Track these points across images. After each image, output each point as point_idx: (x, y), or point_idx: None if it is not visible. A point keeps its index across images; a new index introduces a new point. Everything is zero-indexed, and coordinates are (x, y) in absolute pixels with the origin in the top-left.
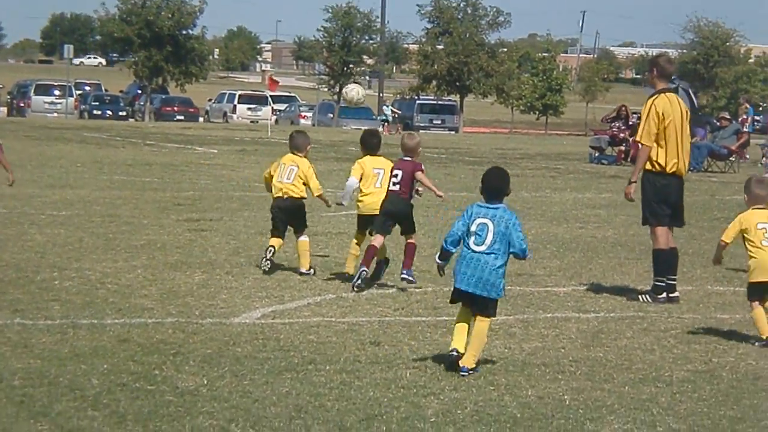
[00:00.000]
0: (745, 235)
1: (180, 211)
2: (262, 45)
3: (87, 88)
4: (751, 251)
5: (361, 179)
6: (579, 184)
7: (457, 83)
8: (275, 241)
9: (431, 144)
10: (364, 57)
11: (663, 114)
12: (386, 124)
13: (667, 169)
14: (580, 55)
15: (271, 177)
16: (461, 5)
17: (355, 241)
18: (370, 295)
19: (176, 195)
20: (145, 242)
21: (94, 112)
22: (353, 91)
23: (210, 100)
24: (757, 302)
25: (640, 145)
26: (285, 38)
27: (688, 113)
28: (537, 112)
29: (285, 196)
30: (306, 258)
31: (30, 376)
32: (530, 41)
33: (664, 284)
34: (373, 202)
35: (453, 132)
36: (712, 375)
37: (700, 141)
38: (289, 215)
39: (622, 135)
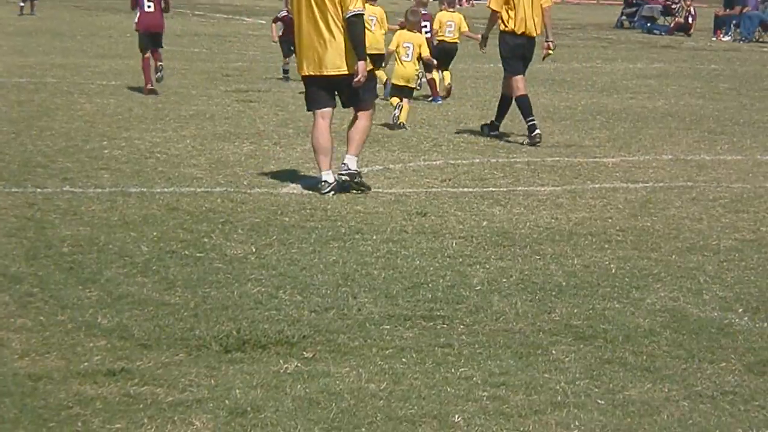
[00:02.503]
0: None
1: (228, 82)
2: None
3: None
4: None
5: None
6: (630, 55)
7: None
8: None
9: (471, 14)
10: None
11: None
12: None
13: (517, 31)
14: None
15: None
16: None
17: None
18: (417, 166)
19: (224, 66)
20: (194, 113)
21: None
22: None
23: None
24: None
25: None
26: None
27: None
28: None
29: None
30: None
31: (79, 242)
32: None
33: (534, 122)
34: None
35: None
36: (759, 244)
37: (751, 11)
38: None
39: (674, 5)
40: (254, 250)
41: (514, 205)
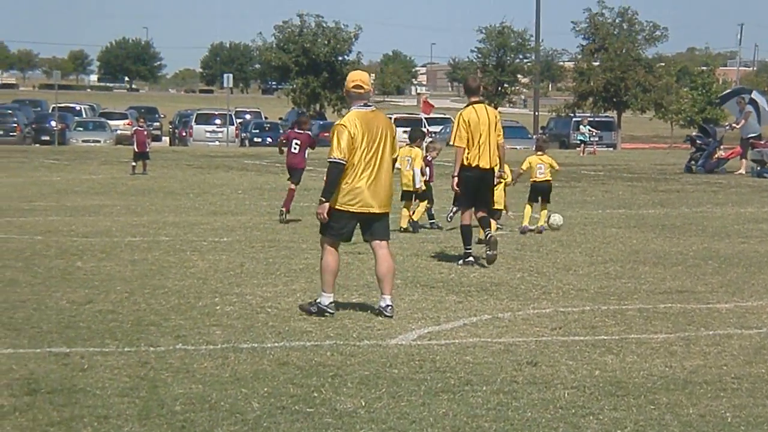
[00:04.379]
0: None
1: None
2: (417, 68)
3: (247, 116)
4: None
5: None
6: (740, 199)
7: (614, 99)
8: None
9: (588, 161)
10: (519, 76)
11: (469, 121)
12: (584, 144)
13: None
14: (740, 68)
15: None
16: (617, 21)
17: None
18: (526, 315)
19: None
20: (304, 266)
21: (254, 139)
22: (555, 218)
23: None
24: None
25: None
26: (439, 60)
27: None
28: (697, 126)
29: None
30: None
31: (191, 401)
32: (688, 55)
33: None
34: None
35: (611, 148)
36: None
37: None
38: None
39: None
40: (364, 403)
41: (627, 353)
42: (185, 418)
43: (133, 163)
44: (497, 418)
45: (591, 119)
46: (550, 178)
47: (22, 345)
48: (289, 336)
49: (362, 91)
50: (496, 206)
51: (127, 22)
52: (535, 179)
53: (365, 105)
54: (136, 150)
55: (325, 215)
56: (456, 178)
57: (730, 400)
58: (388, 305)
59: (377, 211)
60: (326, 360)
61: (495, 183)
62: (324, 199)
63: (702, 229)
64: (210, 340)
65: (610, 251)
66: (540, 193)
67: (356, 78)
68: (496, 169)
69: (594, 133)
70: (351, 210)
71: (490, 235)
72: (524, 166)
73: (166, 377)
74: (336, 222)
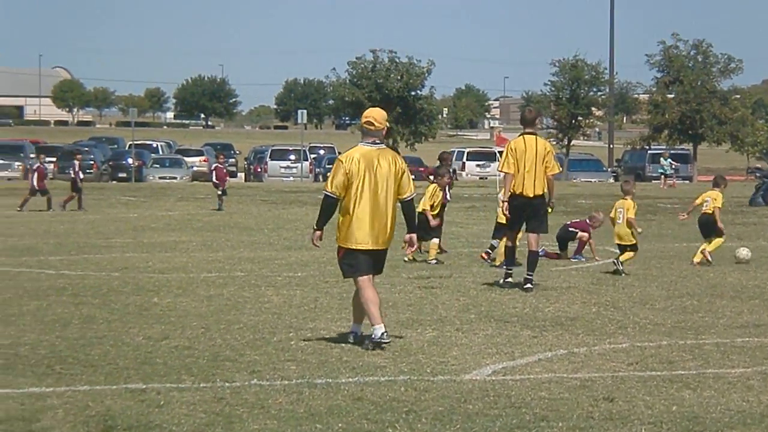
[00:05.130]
0: None
1: (410, 270)
2: (490, 102)
3: (321, 151)
4: None
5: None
6: None
7: (690, 131)
8: None
9: (664, 194)
10: (593, 109)
11: (515, 149)
12: (664, 177)
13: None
14: None
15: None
16: (691, 53)
17: None
18: (602, 350)
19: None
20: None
21: (328, 174)
22: (742, 252)
23: None
24: None
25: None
26: (513, 94)
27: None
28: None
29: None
30: None
31: None
32: (764, 87)
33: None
34: None
35: (687, 181)
36: None
37: None
38: None
39: None
40: None
41: (704, 388)
42: None
43: (219, 201)
44: None
45: (670, 152)
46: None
47: (98, 381)
48: (363, 371)
49: (373, 128)
50: (627, 243)
51: (203, 59)
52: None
53: (373, 143)
54: (215, 186)
55: (316, 242)
56: (506, 203)
57: None
58: (384, 332)
59: (372, 248)
60: (400, 395)
61: (544, 210)
62: (315, 228)
63: None
64: (285, 375)
65: (687, 285)
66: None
67: (369, 114)
68: (547, 195)
69: (674, 166)
70: (351, 247)
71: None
72: (612, 213)
73: (242, 413)
74: (347, 260)
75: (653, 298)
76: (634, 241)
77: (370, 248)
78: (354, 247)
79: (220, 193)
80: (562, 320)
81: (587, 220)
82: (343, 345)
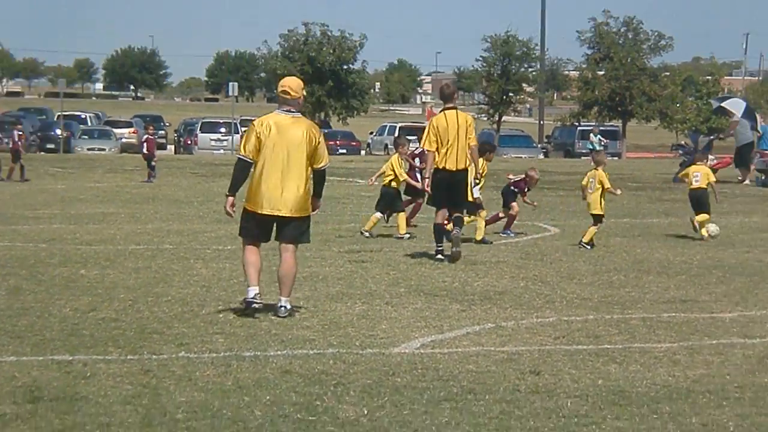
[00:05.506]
0: None
1: (341, 243)
2: (422, 77)
3: None
4: None
5: None
6: (745, 208)
7: (619, 108)
8: None
9: None
10: (524, 85)
11: (437, 126)
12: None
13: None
14: (745, 78)
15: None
16: (622, 30)
17: None
18: (530, 324)
19: (338, 227)
20: (308, 274)
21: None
22: (711, 227)
23: (371, 133)
24: None
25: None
26: (445, 69)
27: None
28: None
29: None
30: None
31: (193, 408)
32: (694, 64)
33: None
34: None
35: (616, 158)
36: None
37: None
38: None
39: None
40: (366, 412)
41: (630, 362)
42: (187, 426)
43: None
44: (500, 427)
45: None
46: (705, 187)
47: (25, 353)
48: (292, 344)
49: (288, 96)
50: (595, 212)
51: (132, 30)
52: (692, 186)
53: (288, 110)
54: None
55: (228, 209)
56: (428, 180)
57: (733, 410)
58: (281, 306)
59: (285, 214)
60: (329, 368)
61: (475, 183)
62: (228, 194)
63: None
64: (213, 348)
65: (614, 260)
66: (699, 202)
67: (285, 83)
68: (470, 169)
69: (603, 143)
70: (257, 211)
71: (456, 233)
72: (583, 182)
73: (169, 385)
74: (246, 222)
75: (580, 272)
76: (602, 213)
77: (267, 213)
78: (252, 209)
79: (154, 164)
80: (491, 294)
81: (524, 179)
82: (272, 318)
